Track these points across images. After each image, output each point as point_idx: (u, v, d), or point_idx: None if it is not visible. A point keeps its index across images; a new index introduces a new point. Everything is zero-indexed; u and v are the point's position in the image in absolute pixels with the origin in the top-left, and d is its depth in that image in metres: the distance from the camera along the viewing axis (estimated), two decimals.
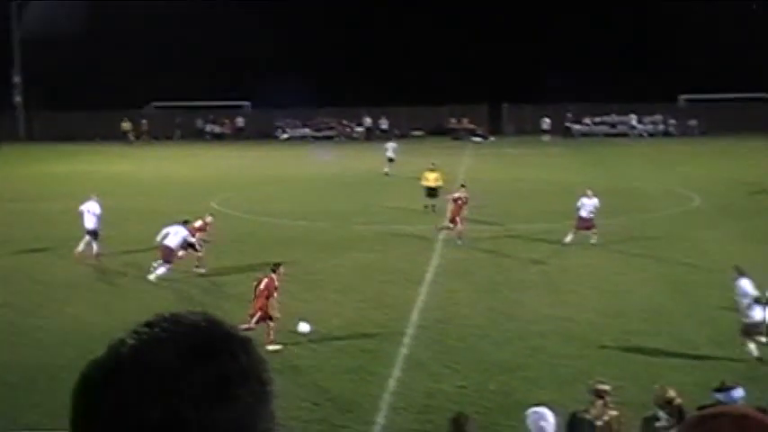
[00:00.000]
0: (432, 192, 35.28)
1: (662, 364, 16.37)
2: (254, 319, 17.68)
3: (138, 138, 74.92)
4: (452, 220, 28.67)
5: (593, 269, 24.54)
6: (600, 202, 28.36)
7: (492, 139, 74.41)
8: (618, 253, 26.75)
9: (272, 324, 17.75)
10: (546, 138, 74.29)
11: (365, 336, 18.56)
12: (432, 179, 35.77)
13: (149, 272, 23.74)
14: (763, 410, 5.90)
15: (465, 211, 28.98)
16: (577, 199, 28.41)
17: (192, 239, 24.56)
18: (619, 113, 78.59)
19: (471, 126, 77.14)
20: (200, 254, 24.95)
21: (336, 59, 76.72)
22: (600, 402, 10.32)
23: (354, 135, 79.07)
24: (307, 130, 79.86)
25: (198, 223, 25.61)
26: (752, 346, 16.49)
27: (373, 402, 14.84)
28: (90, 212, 26.35)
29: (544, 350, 17.26)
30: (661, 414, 9.88)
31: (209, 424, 1.33)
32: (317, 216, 34.21)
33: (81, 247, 26.18)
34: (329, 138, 78.15)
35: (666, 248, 27.01)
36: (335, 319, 19.83)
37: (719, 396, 9.45)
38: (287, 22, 77.44)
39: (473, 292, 22.25)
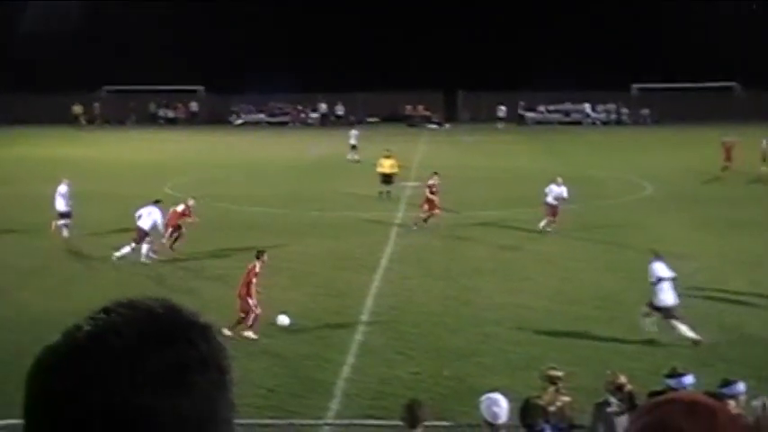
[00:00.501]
0: (387, 178, 35.31)
1: (614, 350, 16.57)
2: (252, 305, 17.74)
3: (90, 122, 73.97)
4: (435, 207, 28.80)
5: (547, 256, 24.74)
6: (565, 191, 28.61)
7: (447, 126, 74.62)
8: (572, 240, 26.99)
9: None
10: (501, 125, 74.63)
11: (320, 322, 18.55)
12: (387, 166, 35.81)
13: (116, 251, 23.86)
14: (713, 396, 6.00)
15: (436, 199, 29.07)
16: (546, 185, 28.63)
17: (161, 220, 24.58)
18: (572, 102, 79.24)
19: (427, 113, 77.29)
20: (164, 240, 25.06)
21: (292, 45, 76.29)
22: (552, 388, 10.43)
23: (309, 121, 78.84)
24: (261, 116, 79.46)
25: (180, 207, 25.83)
26: (647, 321, 16.79)
27: (327, 389, 14.85)
28: (60, 194, 27.12)
29: (498, 337, 17.39)
30: (612, 400, 10.01)
31: (166, 411, 1.32)
32: (273, 202, 34.08)
33: (54, 227, 26.92)
34: (284, 123, 77.84)
35: (619, 236, 27.31)
36: (290, 306, 19.77)
37: (671, 382, 9.59)
38: (241, 6, 76.79)
39: (428, 278, 22.33)
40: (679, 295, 17.49)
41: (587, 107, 79.05)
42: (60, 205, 27.03)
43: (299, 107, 79.68)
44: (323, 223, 29.96)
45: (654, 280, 17.15)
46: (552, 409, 10.25)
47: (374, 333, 17.88)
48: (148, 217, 24.23)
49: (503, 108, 77.12)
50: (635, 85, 78.57)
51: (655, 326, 17.09)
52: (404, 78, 73.91)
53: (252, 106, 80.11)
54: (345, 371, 15.68)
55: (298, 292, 21.03)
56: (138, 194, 30.16)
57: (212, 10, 74.98)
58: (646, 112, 78.22)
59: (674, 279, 17.31)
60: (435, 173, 30.34)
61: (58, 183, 27.62)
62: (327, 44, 75.51)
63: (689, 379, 9.70)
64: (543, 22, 76.85)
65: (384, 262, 24.09)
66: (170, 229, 25.29)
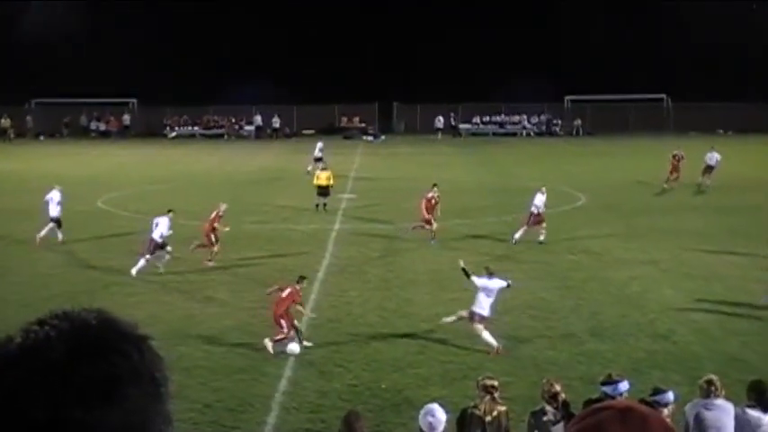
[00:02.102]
0: (323, 190, 35.28)
1: (549, 359, 16.73)
2: (285, 326, 17.41)
3: (19, 136, 72.66)
4: (427, 221, 28.48)
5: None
6: (490, 199, 28.84)
7: (383, 137, 74.86)
8: (506, 250, 27.23)
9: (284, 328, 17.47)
10: (439, 136, 75.21)
11: (257, 336, 18.41)
12: (323, 178, 35.78)
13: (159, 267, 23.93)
14: (648, 404, 6.08)
15: (438, 211, 28.85)
16: (532, 195, 28.75)
17: (167, 231, 24.45)
18: (507, 113, 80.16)
19: (362, 125, 77.50)
20: (215, 248, 25.27)
21: (227, 57, 75.91)
22: (488, 398, 10.48)
23: (244, 133, 78.50)
24: (196, 129, 78.88)
25: (213, 215, 25.94)
26: (485, 335, 17.14)
27: (265, 403, 14.75)
28: (53, 201, 28.17)
29: (434, 348, 17.44)
30: (548, 408, 10.09)
31: (97, 424, 1.30)
32: (208, 215, 33.76)
33: (43, 233, 27.70)
34: (219, 136, 77.37)
35: (553, 246, 27.63)
36: (227, 320, 19.65)
37: (606, 389, 9.71)
38: (175, 17, 76.22)
39: (365, 290, 22.33)
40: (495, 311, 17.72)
41: (521, 118, 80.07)
42: (53, 211, 28.08)
43: (233, 119, 79.26)
44: (260, 236, 29.80)
45: (480, 288, 17.45)
46: (488, 418, 10.31)
47: (312, 345, 17.81)
48: (156, 228, 24.27)
49: (441, 119, 77.66)
50: (568, 97, 79.77)
51: (452, 317, 17.78)
52: (339, 90, 74.05)
53: (186, 118, 79.49)
54: (283, 384, 15.59)
55: (235, 307, 20.87)
56: (70, 209, 29.71)
57: (145, 22, 74.24)
58: (578, 123, 79.45)
59: (496, 291, 17.65)
60: (435, 185, 29.85)
61: (50, 189, 28.68)
62: (263, 56, 75.30)
63: (624, 385, 9.83)
64: (477, 34, 77.57)
65: (321, 274, 24.04)
66: (207, 238, 25.41)
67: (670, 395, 9.70)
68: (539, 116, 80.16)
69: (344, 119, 78.96)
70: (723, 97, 73.90)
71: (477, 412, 10.37)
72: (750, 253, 25.49)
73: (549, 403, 10.10)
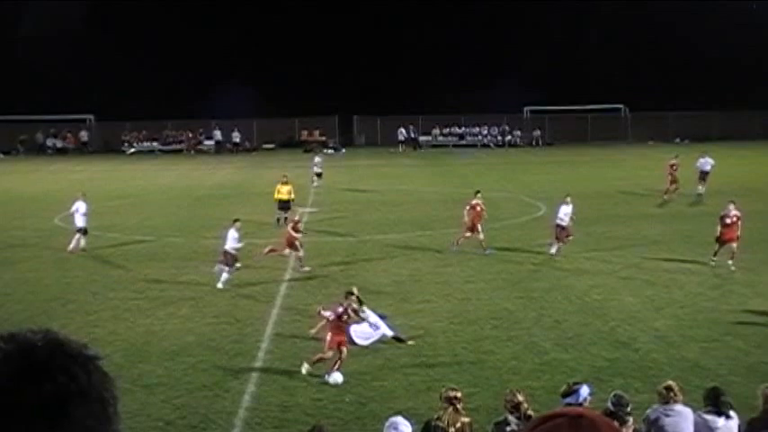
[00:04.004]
0: (284, 204, 35.17)
1: (512, 369, 16.78)
2: (335, 348, 16.52)
3: None
4: (471, 229, 28.33)
5: (444, 278, 24.96)
6: (452, 211, 28.89)
7: (344, 150, 74.90)
8: (469, 261, 27.31)
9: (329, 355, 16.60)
10: (401, 148, 75.45)
11: (219, 352, 18.31)
12: (284, 192, 35.67)
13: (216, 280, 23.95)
14: (612, 416, 6.11)
15: (483, 219, 28.69)
16: (556, 208, 28.56)
17: (234, 242, 24.55)
18: (466, 125, 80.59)
19: (323, 138, 77.49)
20: (300, 253, 26.01)
21: (185, 71, 75.62)
22: (451, 409, 10.49)
23: (204, 148, 78.15)
24: (154, 144, 78.40)
25: (291, 224, 26.98)
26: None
27: (228, 419, 14.64)
28: (79, 212, 29.38)
29: (398, 360, 17.42)
30: (511, 418, 10.12)
31: None
32: (168, 231, 33.59)
33: (73, 244, 28.92)
34: (178, 151, 76.97)
35: (514, 256, 27.77)
36: (189, 336, 19.49)
37: (569, 400, 9.76)
38: (130, 32, 75.80)
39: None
40: None
41: (480, 130, 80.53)
42: (79, 221, 29.24)
43: (190, 134, 78.87)
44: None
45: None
46: (452, 430, 10.31)
47: (275, 360, 17.72)
48: (228, 240, 24.47)
49: (402, 131, 77.90)
50: (527, 108, 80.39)
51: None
52: (299, 104, 74.04)
53: (144, 134, 79.00)
54: (246, 400, 15.48)
55: (196, 322, 20.72)
56: (25, 227, 29.38)
57: (101, 37, 73.73)
58: (537, 134, 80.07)
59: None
60: (477, 191, 29.72)
61: (75, 200, 29.88)
62: (220, 70, 75.09)
63: (584, 391, 9.89)
64: (436, 46, 78.00)
65: (283, 289, 23.95)
66: (287, 249, 26.23)
67: (583, 390, 9.77)
68: (498, 127, 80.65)
69: (305, 132, 78.91)
70: (679, 106, 74.93)
71: (440, 424, 10.37)
72: (705, 260, 25.80)
73: (512, 413, 10.12)
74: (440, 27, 79.65)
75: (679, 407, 9.99)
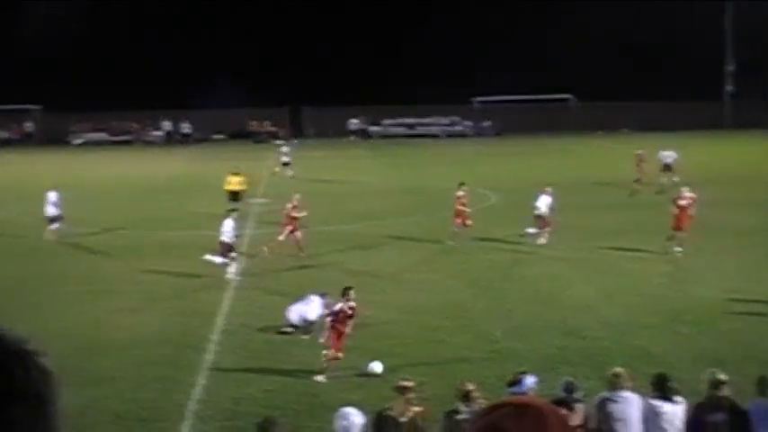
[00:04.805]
0: (234, 196, 34.97)
1: (464, 358, 16.86)
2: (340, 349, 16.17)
3: None
4: (467, 218, 28.68)
5: (396, 268, 25.00)
6: (404, 201, 28.97)
7: (295, 141, 74.62)
8: (420, 251, 27.40)
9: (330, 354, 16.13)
10: (353, 138, 75.39)
11: (170, 344, 18.17)
12: (235, 183, 35.49)
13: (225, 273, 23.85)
14: (561, 403, 6.17)
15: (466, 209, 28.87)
16: (537, 197, 28.68)
17: (231, 232, 24.53)
18: (416, 115, 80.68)
19: (273, 129, 77.12)
20: (299, 238, 26.51)
21: (132, 60, 74.68)
22: (403, 399, 10.52)
23: (153, 139, 77.38)
24: (103, 135, 77.42)
25: (289, 206, 27.12)
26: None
27: (179, 412, 14.53)
28: (51, 202, 30.55)
29: (350, 350, 17.38)
30: (462, 407, 10.17)
31: None
32: (118, 224, 33.22)
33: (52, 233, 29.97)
34: (127, 142, 76.11)
35: (465, 245, 27.89)
36: (139, 329, 19.31)
37: (514, 389, 9.84)
38: (78, 20, 74.68)
39: (279, 295, 22.13)
40: None
41: (430, 120, 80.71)
42: (50, 211, 30.27)
43: (135, 125, 77.86)
44: (170, 243, 29.41)
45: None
46: (404, 420, 10.34)
47: (226, 352, 17.63)
48: (224, 230, 24.41)
49: (354, 121, 77.83)
50: (476, 99, 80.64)
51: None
52: (249, 94, 73.55)
53: (92, 125, 77.96)
54: (197, 392, 15.38)
55: (147, 315, 20.56)
56: None
57: (47, 25, 72.49)
58: (487, 124, 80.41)
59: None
60: (461, 183, 29.73)
61: (48, 191, 30.73)
62: (169, 59, 74.32)
63: (530, 381, 9.98)
64: (385, 37, 77.98)
65: (234, 281, 23.80)
66: (287, 230, 26.60)
67: (528, 380, 9.88)
68: (448, 117, 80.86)
69: (254, 123, 78.45)
70: (627, 96, 75.73)
71: (392, 414, 10.39)
72: (656, 249, 26.15)
73: (463, 402, 10.18)
74: (389, 17, 79.59)
75: (626, 393, 10.12)
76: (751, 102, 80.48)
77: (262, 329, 19.13)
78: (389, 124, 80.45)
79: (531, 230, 27.99)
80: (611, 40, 77.48)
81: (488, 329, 18.86)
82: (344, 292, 16.38)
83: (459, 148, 67.46)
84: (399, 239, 29.27)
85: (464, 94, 77.54)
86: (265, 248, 26.52)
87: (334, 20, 78.58)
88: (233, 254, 24.50)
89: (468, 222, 28.76)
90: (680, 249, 25.53)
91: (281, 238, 26.83)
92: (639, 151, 41.18)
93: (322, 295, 18.95)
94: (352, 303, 16.27)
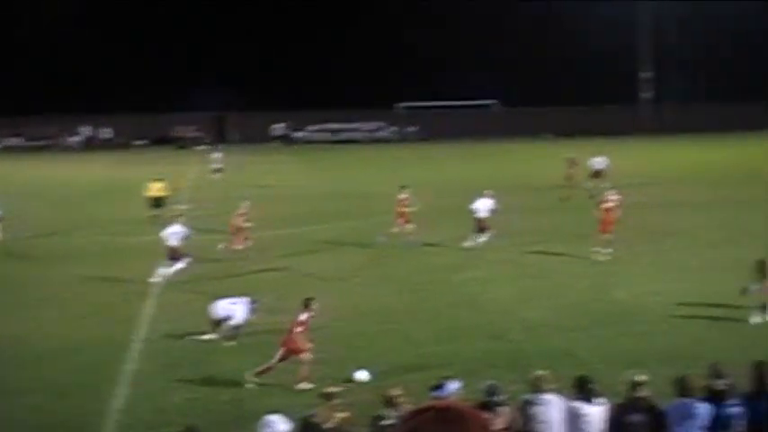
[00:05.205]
0: (156, 201, 34.53)
1: (390, 363, 16.86)
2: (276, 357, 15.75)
3: None
4: (403, 221, 28.95)
5: (320, 274, 24.92)
6: (331, 206, 28.96)
7: (220, 147, 73.99)
8: (345, 256, 27.38)
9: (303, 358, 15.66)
10: (276, 144, 75.06)
11: (90, 352, 17.82)
12: (156, 189, 35.04)
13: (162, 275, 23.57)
14: (484, 404, 6.20)
15: (407, 213, 29.20)
16: (472, 201, 28.86)
17: (178, 239, 24.46)
18: (340, 121, 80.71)
19: (197, 134, 76.36)
20: (245, 245, 26.80)
21: (51, 63, 73.24)
22: (328, 405, 10.48)
23: (71, 144, 75.94)
24: (19, 140, 75.71)
25: (238, 214, 27.46)
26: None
27: (99, 421, 14.26)
28: None
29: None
30: (387, 413, 10.17)
31: None
32: (35, 230, 32.52)
33: None
34: (45, 147, 74.53)
35: (391, 250, 27.95)
36: (57, 339, 18.91)
37: (436, 393, 9.87)
38: None
39: (202, 302, 21.86)
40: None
41: (355, 125, 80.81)
42: None
43: (54, 129, 76.28)
44: (91, 250, 28.90)
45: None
46: (329, 425, 10.30)
47: (148, 361, 17.36)
48: (174, 236, 24.26)
49: (278, 127, 77.52)
50: (401, 104, 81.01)
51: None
52: (172, 99, 72.77)
53: (7, 129, 76.15)
54: (118, 401, 15.11)
55: (67, 323, 20.14)
56: None
57: None
58: (412, 129, 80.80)
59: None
60: (403, 186, 29.90)
61: None
62: (91, 63, 73.10)
63: (453, 386, 10.03)
64: (306, 43, 77.92)
65: (157, 288, 23.47)
66: (235, 235, 27.02)
67: (450, 384, 9.95)
68: (372, 122, 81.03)
69: (178, 128, 77.54)
70: (551, 101, 76.91)
71: (317, 420, 10.35)
72: (581, 252, 26.57)
73: (388, 407, 10.17)
74: (314, 23, 79.52)
75: (548, 395, 10.23)
76: (670, 106, 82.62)
77: (186, 337, 18.87)
78: (313, 130, 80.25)
79: (482, 238, 28.17)
80: (534, 45, 78.61)
81: (415, 334, 18.90)
82: (306, 303, 16.13)
83: (384, 153, 67.61)
84: (328, 244, 29.27)
85: (388, 99, 77.86)
86: (222, 245, 26.98)
87: (257, 25, 78.19)
88: (187, 258, 24.31)
89: (408, 226, 28.86)
90: (608, 252, 25.92)
91: (247, 245, 26.99)
92: (570, 155, 41.77)
93: (253, 301, 18.80)
94: (312, 314, 16.07)
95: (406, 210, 29.30)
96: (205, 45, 77.04)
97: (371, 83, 74.31)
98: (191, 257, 24.56)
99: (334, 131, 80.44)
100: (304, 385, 15.23)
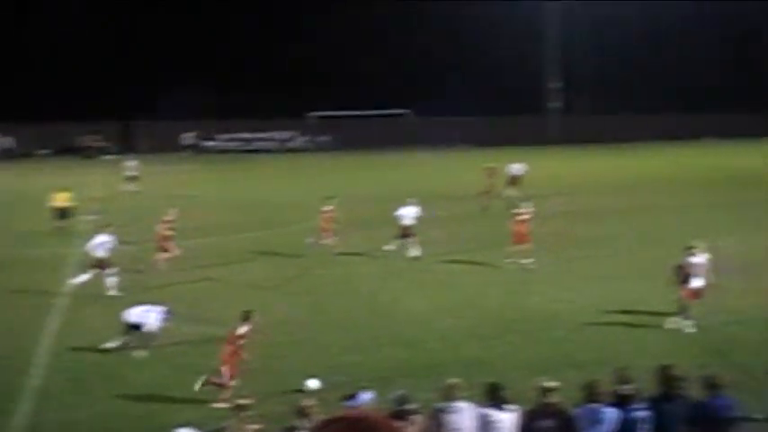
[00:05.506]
0: (62, 212, 33.76)
1: (302, 373, 16.74)
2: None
3: None
4: (325, 233, 29.32)
5: (235, 285, 24.66)
6: (242, 216, 28.74)
7: (129, 156, 72.66)
8: (259, 266, 27.18)
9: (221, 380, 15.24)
10: (185, 153, 74.11)
11: None
12: (61, 199, 34.27)
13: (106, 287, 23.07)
14: (395, 413, 6.18)
15: (333, 223, 29.63)
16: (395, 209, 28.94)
17: (102, 249, 23.83)
18: (251, 130, 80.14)
19: (102, 143, 74.87)
20: (174, 253, 26.62)
21: None
22: (239, 417, 10.35)
23: None
24: None
25: (163, 223, 27.07)
26: None
27: None
28: None
29: (187, 369, 16.98)
30: (299, 423, 10.08)
31: None
32: None
33: None
34: None
35: (301, 260, 27.82)
36: None
37: (349, 403, 9.82)
38: None
39: (112, 315, 21.40)
40: None
41: (266, 135, 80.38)
42: None
43: None
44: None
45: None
46: None
47: (52, 376, 16.88)
48: (101, 246, 23.63)
49: (190, 135, 76.59)
50: (314, 113, 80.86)
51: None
52: (76, 107, 71.21)
53: None
54: (19, 419, 14.66)
55: None
56: None
57: None
58: (325, 138, 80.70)
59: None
60: (329, 197, 30.31)
61: None
62: None
63: (366, 396, 9.99)
64: (218, 50, 77.21)
65: (61, 300, 22.91)
66: (161, 245, 26.65)
67: (363, 395, 9.95)
68: (284, 132, 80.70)
69: (83, 138, 75.77)
70: (463, 111, 77.71)
71: None
72: (491, 260, 26.85)
73: (300, 418, 10.08)
74: (225, 31, 78.88)
75: (460, 403, 10.29)
76: (578, 117, 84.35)
77: (93, 349, 18.44)
78: (225, 139, 79.50)
79: (406, 244, 28.24)
80: (444, 55, 79.34)
81: (327, 344, 18.83)
82: (245, 316, 15.84)
83: (297, 163, 67.37)
84: (242, 254, 29.00)
85: (301, 108, 77.64)
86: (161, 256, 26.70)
87: (167, 30, 77.17)
88: (113, 268, 23.77)
89: (329, 238, 29.12)
90: (531, 261, 26.29)
91: (176, 253, 26.73)
92: (489, 164, 42.15)
93: (167, 311, 18.48)
94: (251, 326, 15.80)
95: (332, 221, 29.65)
96: (110, 50, 75.62)
97: (283, 92, 73.97)
98: (117, 268, 24.02)
99: (245, 141, 79.85)
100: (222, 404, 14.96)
